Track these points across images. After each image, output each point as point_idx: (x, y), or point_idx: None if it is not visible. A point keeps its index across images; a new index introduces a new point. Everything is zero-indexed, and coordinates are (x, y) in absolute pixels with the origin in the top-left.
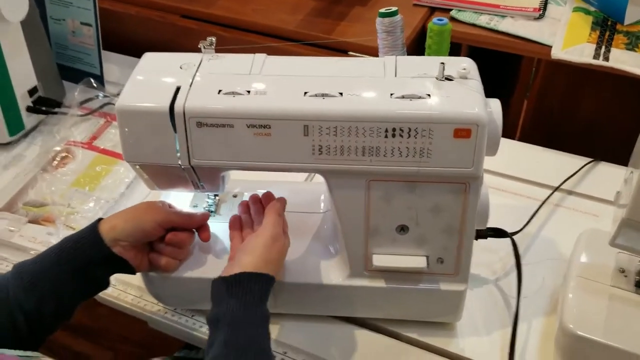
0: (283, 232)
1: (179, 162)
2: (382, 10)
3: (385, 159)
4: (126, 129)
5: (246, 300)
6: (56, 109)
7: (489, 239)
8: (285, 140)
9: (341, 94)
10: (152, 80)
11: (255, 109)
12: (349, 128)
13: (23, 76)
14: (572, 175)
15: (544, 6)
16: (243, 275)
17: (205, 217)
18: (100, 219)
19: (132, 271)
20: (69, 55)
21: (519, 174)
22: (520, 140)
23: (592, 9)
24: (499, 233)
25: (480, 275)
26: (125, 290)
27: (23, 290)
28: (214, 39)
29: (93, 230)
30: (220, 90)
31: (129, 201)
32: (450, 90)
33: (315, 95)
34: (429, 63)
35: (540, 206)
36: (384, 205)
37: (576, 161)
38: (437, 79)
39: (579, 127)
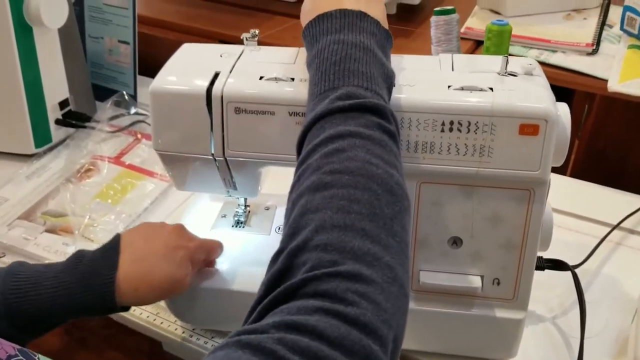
0: None
1: (212, 154)
2: (438, 8)
3: (440, 156)
4: (158, 114)
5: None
6: (85, 124)
7: (546, 271)
8: None
9: (393, 84)
10: (189, 65)
11: (299, 95)
12: (401, 119)
13: (55, 87)
14: (633, 213)
15: (597, 42)
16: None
17: (220, 250)
18: (114, 273)
19: None
20: (103, 74)
21: (574, 210)
22: None
23: None
24: (558, 265)
25: (536, 312)
26: (139, 307)
27: (15, 327)
28: (257, 31)
29: (110, 297)
30: (262, 77)
31: (152, 216)
32: (514, 85)
33: None
34: (488, 60)
35: (601, 242)
36: (436, 213)
37: (636, 200)
38: (499, 74)
39: (635, 168)
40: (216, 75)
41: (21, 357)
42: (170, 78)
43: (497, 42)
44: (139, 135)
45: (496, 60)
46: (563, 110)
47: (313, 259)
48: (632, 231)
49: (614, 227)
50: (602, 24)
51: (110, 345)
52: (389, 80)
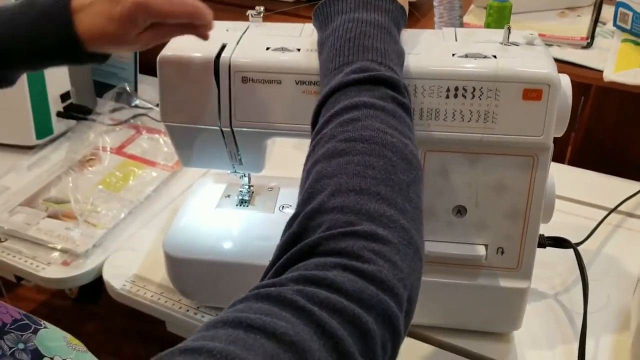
0: None
1: (219, 124)
2: None
3: (445, 123)
4: (166, 84)
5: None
6: (87, 117)
7: (547, 249)
8: None
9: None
10: (196, 38)
11: (306, 64)
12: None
13: (57, 79)
14: (631, 196)
15: (592, 36)
16: None
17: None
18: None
19: None
20: (104, 70)
21: (573, 196)
22: None
23: None
24: (560, 243)
25: (538, 290)
26: (144, 287)
27: None
28: (262, 8)
29: (68, 23)
30: (268, 48)
31: (154, 204)
32: (517, 53)
33: None
34: (491, 32)
35: (601, 222)
36: (441, 182)
37: (633, 185)
38: (501, 43)
39: (632, 158)
40: (223, 46)
41: (27, 322)
42: (177, 48)
43: (498, 18)
44: (140, 129)
45: (498, 32)
46: (564, 80)
47: (329, 221)
48: (630, 214)
49: (613, 209)
50: (596, 20)
51: (106, 350)
52: (401, 57)
